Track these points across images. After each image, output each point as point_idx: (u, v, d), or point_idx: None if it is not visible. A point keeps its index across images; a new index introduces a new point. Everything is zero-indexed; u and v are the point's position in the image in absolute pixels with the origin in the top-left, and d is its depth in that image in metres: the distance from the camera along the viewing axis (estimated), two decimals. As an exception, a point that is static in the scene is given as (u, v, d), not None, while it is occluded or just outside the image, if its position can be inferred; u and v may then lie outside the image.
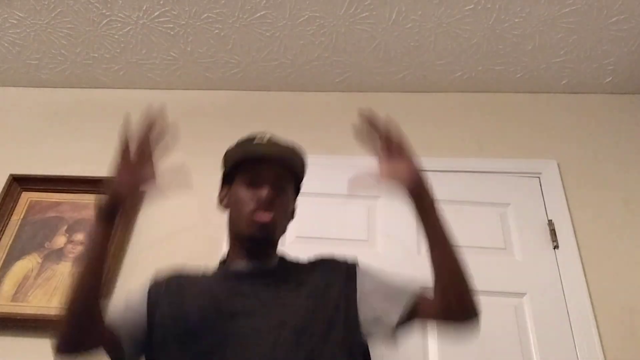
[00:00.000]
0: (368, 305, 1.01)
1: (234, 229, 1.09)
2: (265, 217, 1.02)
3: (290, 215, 1.14)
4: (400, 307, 0.98)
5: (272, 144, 1.11)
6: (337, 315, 0.98)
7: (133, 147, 1.00)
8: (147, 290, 1.08)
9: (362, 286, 1.04)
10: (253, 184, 1.06)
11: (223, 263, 1.13)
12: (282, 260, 1.13)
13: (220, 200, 1.15)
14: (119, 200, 0.98)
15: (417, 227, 0.98)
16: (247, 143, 1.13)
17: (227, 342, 0.92)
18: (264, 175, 1.07)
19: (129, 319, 1.03)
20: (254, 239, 1.04)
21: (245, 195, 1.06)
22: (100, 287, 0.95)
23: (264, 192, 1.03)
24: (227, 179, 1.15)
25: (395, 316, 0.98)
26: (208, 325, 0.95)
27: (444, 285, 0.94)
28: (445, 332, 0.98)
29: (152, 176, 1.00)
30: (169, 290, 1.05)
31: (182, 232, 1.83)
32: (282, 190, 1.07)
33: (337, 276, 1.05)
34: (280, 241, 1.12)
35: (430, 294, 0.97)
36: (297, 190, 1.17)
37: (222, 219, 1.81)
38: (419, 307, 0.99)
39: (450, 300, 0.94)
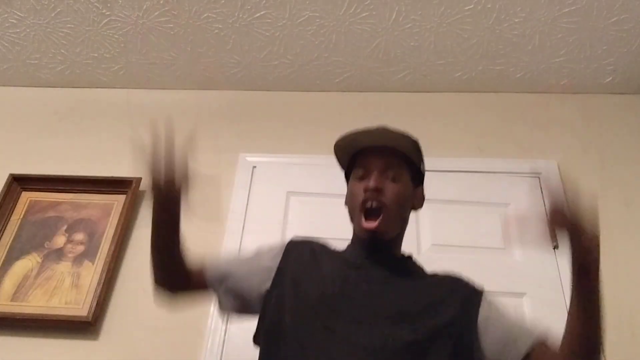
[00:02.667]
0: (489, 335, 0.97)
1: (354, 226, 1.09)
2: (371, 224, 1.00)
3: (411, 204, 1.11)
4: (523, 348, 0.96)
5: (376, 132, 1.08)
6: (447, 332, 0.95)
7: (161, 148, 1.03)
8: (287, 245, 1.10)
9: (486, 314, 0.99)
10: (363, 176, 1.06)
11: (348, 246, 1.12)
12: (408, 259, 1.11)
13: (345, 201, 1.15)
14: (162, 199, 1.07)
15: (571, 290, 0.97)
16: (349, 138, 1.11)
17: (332, 335, 0.92)
18: (371, 164, 1.05)
19: (249, 266, 1.09)
20: (366, 241, 1.04)
21: (357, 188, 1.06)
22: (176, 246, 1.11)
23: (371, 181, 1.01)
24: (348, 178, 1.16)
25: (515, 356, 0.95)
26: (322, 309, 0.95)
27: (577, 351, 0.92)
28: None
29: (184, 172, 1.08)
30: (300, 257, 1.06)
31: (183, 231, 1.82)
32: (393, 178, 1.04)
33: (460, 296, 1.01)
34: (403, 234, 1.11)
35: (551, 343, 0.97)
36: (418, 178, 1.13)
37: (220, 218, 1.82)
38: (536, 353, 0.96)
39: None
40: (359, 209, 1.03)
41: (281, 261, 1.05)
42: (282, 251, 1.08)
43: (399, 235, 1.11)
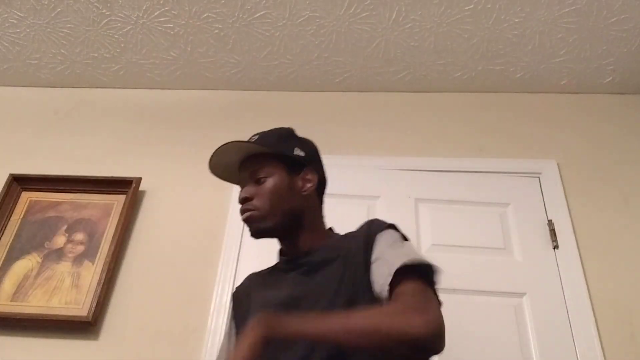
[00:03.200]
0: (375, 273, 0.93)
1: None
2: (245, 215, 1.05)
3: (294, 191, 1.08)
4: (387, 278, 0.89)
5: (226, 149, 1.10)
6: (348, 282, 0.94)
7: None
8: (230, 304, 1.15)
9: (377, 252, 0.96)
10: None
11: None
12: (330, 237, 1.10)
13: None
14: None
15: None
16: (211, 164, 1.15)
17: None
18: (241, 177, 1.10)
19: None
20: (255, 236, 1.07)
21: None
22: None
23: (240, 193, 1.07)
24: None
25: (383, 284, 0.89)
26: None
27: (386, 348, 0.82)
28: None
29: None
30: (243, 295, 1.11)
31: (183, 232, 1.83)
32: (260, 181, 1.07)
33: (358, 243, 1.00)
34: (309, 217, 1.09)
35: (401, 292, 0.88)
36: (296, 165, 1.11)
37: (221, 218, 1.82)
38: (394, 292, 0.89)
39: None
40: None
41: (234, 315, 1.11)
42: (231, 306, 1.14)
43: (293, 225, 1.08)
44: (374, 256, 0.95)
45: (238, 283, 1.65)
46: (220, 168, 1.14)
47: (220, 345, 1.14)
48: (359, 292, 0.93)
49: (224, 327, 1.61)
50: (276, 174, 1.08)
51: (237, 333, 1.06)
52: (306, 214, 1.09)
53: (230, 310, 1.13)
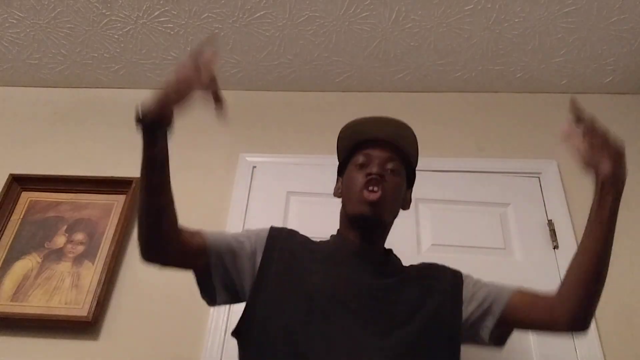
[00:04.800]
0: (473, 304, 1.03)
1: (346, 211, 1.09)
2: (373, 195, 1.01)
3: (402, 202, 1.12)
4: (504, 298, 1.02)
5: (383, 123, 1.10)
6: (439, 318, 0.98)
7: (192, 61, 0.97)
8: (268, 233, 1.08)
9: (471, 291, 1.05)
10: (364, 165, 1.07)
11: (336, 237, 1.13)
12: (390, 252, 1.13)
13: (335, 192, 1.16)
14: (167, 99, 0.97)
15: (590, 222, 0.97)
16: (355, 125, 1.12)
17: (332, 331, 0.92)
18: (373, 154, 1.07)
19: (237, 251, 1.03)
20: (364, 217, 1.03)
21: (357, 175, 1.07)
22: (165, 195, 1.00)
23: (374, 167, 1.03)
24: (341, 171, 1.17)
25: (498, 308, 1.01)
26: (318, 303, 0.95)
27: (583, 289, 0.93)
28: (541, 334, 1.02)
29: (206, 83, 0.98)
30: (288, 247, 1.05)
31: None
32: (393, 171, 1.06)
33: (443, 282, 1.05)
34: (387, 234, 1.12)
35: (527, 291, 1.02)
36: (410, 180, 1.15)
37: (221, 218, 1.82)
38: (515, 299, 1.01)
39: (579, 306, 0.94)
40: (359, 192, 1.04)
41: (265, 250, 1.04)
42: (265, 239, 1.06)
43: (388, 227, 1.12)
44: (472, 299, 1.04)
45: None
46: (355, 133, 1.12)
47: (223, 236, 1.08)
48: (440, 326, 0.98)
49: (223, 327, 1.60)
50: (402, 176, 1.10)
51: (266, 267, 1.00)
52: (392, 224, 1.12)
53: (267, 238, 1.06)
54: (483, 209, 1.80)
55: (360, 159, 1.08)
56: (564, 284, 0.97)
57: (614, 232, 0.94)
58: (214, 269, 1.01)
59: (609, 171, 0.91)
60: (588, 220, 0.94)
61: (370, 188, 1.01)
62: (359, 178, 1.05)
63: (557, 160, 1.89)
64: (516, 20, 1.82)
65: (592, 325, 1.55)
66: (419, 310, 0.97)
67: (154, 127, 0.90)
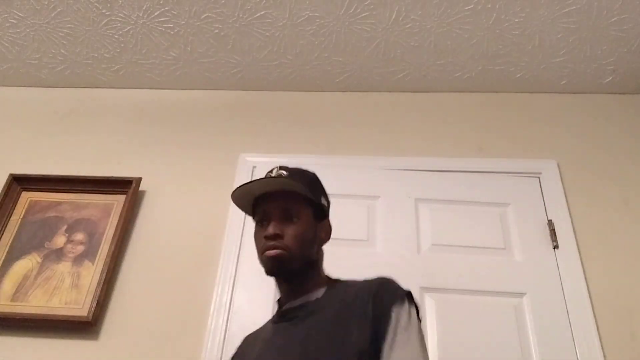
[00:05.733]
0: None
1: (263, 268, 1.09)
2: (272, 252, 1.01)
3: (315, 240, 1.09)
4: None
5: (268, 179, 1.08)
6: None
7: None
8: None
9: (390, 335, 0.91)
10: (262, 222, 1.07)
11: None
12: (331, 287, 1.07)
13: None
14: None
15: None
16: (244, 189, 1.10)
17: None
18: (268, 210, 1.06)
19: None
20: (273, 275, 1.04)
21: (258, 234, 1.07)
22: None
23: (270, 228, 1.03)
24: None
25: None
26: None
27: None
28: None
29: None
30: (242, 354, 1.11)
31: (183, 232, 1.83)
32: (292, 220, 1.05)
33: (365, 304, 0.95)
34: (317, 268, 1.09)
35: None
36: (321, 212, 1.12)
37: (221, 218, 1.82)
38: None
39: None
40: (260, 255, 1.05)
41: None
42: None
43: (309, 271, 1.07)
44: (387, 336, 0.90)
45: (238, 283, 1.67)
46: (240, 195, 1.10)
47: None
48: (364, 344, 0.89)
49: (223, 327, 1.61)
50: (305, 217, 1.07)
51: None
52: (317, 261, 1.10)
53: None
54: (483, 209, 1.80)
55: (259, 216, 1.09)
56: None
57: None
58: None
59: None
60: None
61: (270, 253, 1.02)
62: (260, 239, 1.06)
63: (557, 160, 1.89)
64: (516, 20, 1.82)
65: (592, 325, 1.55)
66: (335, 345, 0.91)
67: None
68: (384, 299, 0.94)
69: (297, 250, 1.03)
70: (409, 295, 0.97)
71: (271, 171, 1.13)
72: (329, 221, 1.15)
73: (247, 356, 1.07)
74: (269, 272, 1.04)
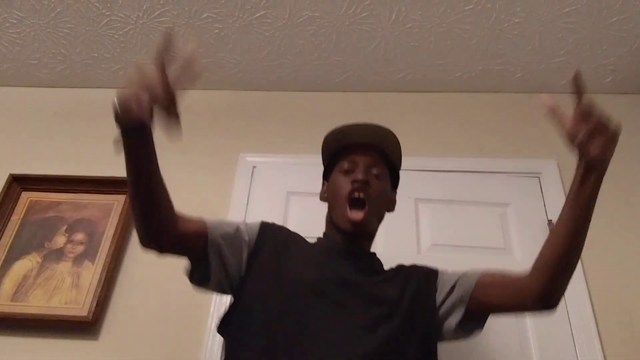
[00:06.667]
0: (440, 298, 1.03)
1: (332, 218, 1.12)
2: (358, 215, 1.03)
3: (388, 204, 1.15)
4: (472, 279, 1.02)
5: (366, 129, 1.12)
6: (415, 315, 1.00)
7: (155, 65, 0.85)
8: (258, 228, 1.08)
9: (439, 282, 1.06)
10: (349, 170, 1.09)
11: (322, 238, 1.15)
12: (374, 255, 1.16)
13: (321, 196, 1.18)
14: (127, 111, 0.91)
15: (570, 197, 0.94)
16: (339, 132, 1.15)
17: (313, 320, 0.93)
18: (357, 160, 1.10)
19: (233, 238, 1.03)
20: (349, 234, 1.07)
21: (342, 180, 1.09)
22: (153, 179, 0.97)
23: (359, 174, 1.05)
24: (326, 175, 1.19)
25: (467, 289, 1.01)
26: (303, 294, 0.96)
27: (556, 266, 0.94)
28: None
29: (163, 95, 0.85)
30: (277, 238, 1.07)
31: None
32: (377, 175, 1.08)
33: (418, 277, 1.07)
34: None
35: (502, 275, 1.02)
36: (394, 181, 1.18)
37: (223, 212, 1.81)
38: (484, 278, 1.01)
39: (550, 282, 0.94)
40: (344, 199, 1.06)
41: (255, 245, 1.04)
42: (256, 234, 1.07)
43: (374, 233, 1.15)
44: (444, 286, 1.05)
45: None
46: (339, 140, 1.15)
47: (222, 224, 1.05)
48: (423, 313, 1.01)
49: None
50: (387, 180, 1.13)
51: (254, 259, 1.01)
52: (378, 227, 1.15)
53: (260, 233, 1.06)
54: (483, 209, 1.80)
55: (345, 164, 1.11)
56: (537, 261, 0.97)
57: (592, 212, 0.94)
58: (211, 250, 1.00)
59: (599, 153, 0.89)
60: (567, 197, 0.93)
61: (356, 195, 1.04)
62: (344, 184, 1.07)
63: (557, 160, 1.89)
64: (516, 20, 1.82)
65: (592, 325, 1.55)
66: (398, 309, 0.98)
67: (134, 131, 0.88)
68: (429, 278, 1.08)
69: (376, 206, 1.07)
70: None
71: (351, 125, 1.15)
72: (395, 194, 1.19)
73: (292, 251, 1.04)
74: (345, 232, 1.05)
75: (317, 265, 1.02)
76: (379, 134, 1.13)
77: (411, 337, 0.96)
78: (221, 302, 1.65)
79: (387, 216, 1.84)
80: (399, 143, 1.18)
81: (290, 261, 1.02)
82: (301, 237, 1.14)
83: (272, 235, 1.08)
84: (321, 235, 1.18)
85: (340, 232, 1.09)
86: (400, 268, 1.13)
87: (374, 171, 1.09)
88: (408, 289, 1.02)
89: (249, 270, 1.01)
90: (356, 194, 1.04)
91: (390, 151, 1.13)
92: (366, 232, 1.10)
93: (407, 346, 0.95)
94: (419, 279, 1.06)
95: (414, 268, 1.12)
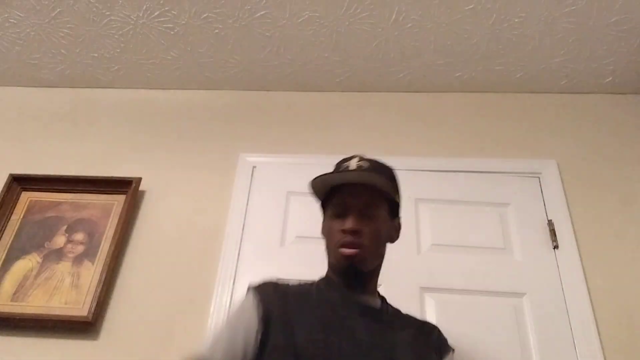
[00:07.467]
0: None
1: (329, 259, 1.08)
2: (349, 251, 0.99)
3: (388, 238, 1.09)
4: None
5: (354, 169, 1.05)
6: None
7: None
8: (257, 301, 0.99)
9: None
10: (340, 215, 1.04)
11: (323, 282, 1.08)
12: (384, 299, 1.11)
13: (321, 230, 1.13)
14: None
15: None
16: (329, 174, 1.07)
17: None
18: (348, 204, 1.03)
19: (236, 343, 0.96)
20: (343, 272, 1.02)
21: (333, 226, 1.04)
22: None
23: (349, 222, 1.00)
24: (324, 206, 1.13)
25: None
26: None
27: None
28: None
29: None
30: (280, 307, 0.98)
31: (183, 232, 1.83)
32: (371, 217, 1.03)
33: (431, 343, 1.06)
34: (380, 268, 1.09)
35: None
36: (394, 211, 1.11)
37: (221, 218, 1.82)
38: None
39: None
40: (334, 249, 1.02)
41: (262, 308, 0.98)
42: (255, 301, 1.00)
43: (376, 270, 1.08)
44: None
45: (238, 284, 1.67)
46: (319, 184, 1.08)
47: (221, 334, 1.01)
48: None
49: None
50: (383, 214, 1.05)
51: (267, 340, 0.94)
52: (381, 264, 1.08)
53: (261, 309, 0.98)
54: (483, 209, 1.80)
55: (336, 209, 1.05)
56: None
57: None
58: None
59: None
60: None
61: (347, 252, 0.99)
62: (336, 232, 1.02)
63: (557, 160, 1.89)
64: (516, 20, 1.82)
65: (592, 325, 1.55)
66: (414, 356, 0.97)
67: None
68: (442, 348, 1.07)
69: (372, 249, 1.01)
70: (453, 350, 1.13)
71: (349, 159, 1.09)
72: (399, 219, 1.12)
73: (297, 316, 0.97)
74: (341, 270, 1.01)
75: (322, 328, 0.95)
76: (366, 172, 1.06)
77: None
78: (221, 302, 1.65)
79: (387, 216, 1.85)
80: (391, 170, 1.12)
81: (293, 331, 0.94)
82: (299, 290, 1.05)
83: (271, 298, 1.00)
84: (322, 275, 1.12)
85: (339, 277, 1.03)
86: (414, 320, 1.11)
87: (367, 212, 1.02)
88: (423, 349, 1.02)
89: (266, 332, 0.96)
90: (350, 250, 0.99)
91: (382, 184, 1.05)
92: (363, 270, 1.02)
93: None
94: (435, 349, 1.06)
95: (430, 328, 1.13)
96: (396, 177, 1.14)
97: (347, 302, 1.01)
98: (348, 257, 0.99)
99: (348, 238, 0.99)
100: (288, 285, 1.06)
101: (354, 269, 1.00)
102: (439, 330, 1.14)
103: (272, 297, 1.00)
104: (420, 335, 1.04)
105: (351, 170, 1.05)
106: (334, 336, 0.94)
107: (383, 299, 1.12)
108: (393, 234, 1.10)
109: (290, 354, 0.91)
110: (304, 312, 0.98)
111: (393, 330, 1.00)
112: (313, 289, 1.05)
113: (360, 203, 1.03)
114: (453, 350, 1.11)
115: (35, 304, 1.67)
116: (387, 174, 1.09)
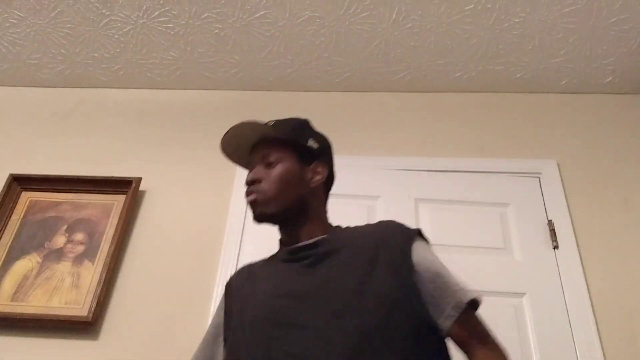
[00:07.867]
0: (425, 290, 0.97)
1: None
2: (249, 198, 1.04)
3: (300, 180, 1.07)
4: (448, 320, 0.95)
5: (240, 130, 1.08)
6: (389, 294, 0.92)
7: None
8: (223, 296, 1.11)
9: (424, 265, 1.01)
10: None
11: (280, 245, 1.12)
12: (332, 232, 1.08)
13: None
14: None
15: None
16: (222, 143, 1.12)
17: (273, 344, 0.90)
18: (250, 161, 1.10)
19: (215, 337, 1.08)
20: (256, 219, 1.06)
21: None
22: None
23: (248, 175, 1.06)
24: None
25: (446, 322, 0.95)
26: (258, 327, 0.94)
27: None
28: None
29: None
30: (238, 286, 1.07)
31: (183, 232, 1.83)
32: (270, 164, 1.06)
33: (389, 249, 0.99)
34: (312, 212, 1.07)
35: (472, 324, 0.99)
36: (308, 155, 1.10)
37: (221, 218, 1.82)
38: (458, 331, 0.96)
39: None
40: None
41: (225, 306, 1.07)
42: (223, 297, 1.10)
43: (303, 214, 1.07)
44: (421, 268, 0.99)
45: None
46: (231, 148, 1.12)
47: (205, 335, 1.10)
48: (397, 291, 0.92)
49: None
50: (287, 161, 1.08)
51: (229, 326, 1.02)
52: (312, 204, 1.08)
53: (222, 301, 1.09)
54: (483, 209, 1.80)
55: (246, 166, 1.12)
56: None
57: None
58: None
59: None
60: None
61: (248, 198, 1.05)
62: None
63: (557, 160, 1.89)
64: (516, 20, 1.82)
65: (592, 325, 1.55)
66: (364, 290, 0.91)
67: None
68: (405, 243, 1.02)
69: (273, 193, 1.04)
70: (420, 233, 1.09)
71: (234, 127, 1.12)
72: (322, 163, 1.12)
73: (251, 288, 1.03)
74: (254, 218, 1.05)
75: (265, 294, 0.99)
76: (257, 123, 1.09)
77: (391, 327, 0.88)
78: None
79: (387, 216, 1.83)
80: (300, 121, 1.16)
81: (246, 306, 1.00)
82: (258, 264, 1.11)
83: (234, 289, 1.08)
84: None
85: (256, 222, 1.08)
86: (366, 232, 1.06)
87: (267, 160, 1.06)
88: (376, 268, 0.95)
89: (227, 330, 1.04)
90: (248, 197, 1.04)
91: (280, 133, 1.08)
92: (271, 214, 1.04)
93: (389, 339, 0.87)
94: (393, 254, 0.99)
95: (385, 229, 1.07)
96: (306, 126, 1.17)
97: (286, 255, 1.05)
98: (251, 205, 1.04)
99: (247, 189, 1.05)
100: (259, 261, 1.12)
101: (261, 212, 1.04)
102: (395, 225, 1.07)
103: (235, 287, 1.07)
104: (365, 244, 0.99)
105: (243, 127, 1.09)
106: (275, 296, 0.97)
107: (331, 229, 1.09)
108: (310, 176, 1.09)
109: (239, 330, 0.97)
110: (260, 282, 1.03)
111: (329, 259, 0.98)
112: (269, 258, 1.11)
113: (259, 156, 1.08)
114: (425, 239, 1.07)
115: (35, 304, 1.67)
116: (290, 123, 1.13)
